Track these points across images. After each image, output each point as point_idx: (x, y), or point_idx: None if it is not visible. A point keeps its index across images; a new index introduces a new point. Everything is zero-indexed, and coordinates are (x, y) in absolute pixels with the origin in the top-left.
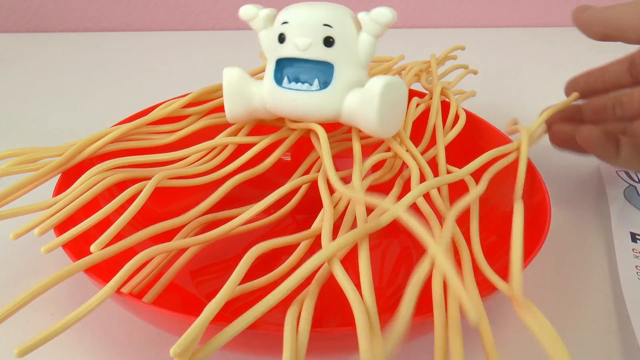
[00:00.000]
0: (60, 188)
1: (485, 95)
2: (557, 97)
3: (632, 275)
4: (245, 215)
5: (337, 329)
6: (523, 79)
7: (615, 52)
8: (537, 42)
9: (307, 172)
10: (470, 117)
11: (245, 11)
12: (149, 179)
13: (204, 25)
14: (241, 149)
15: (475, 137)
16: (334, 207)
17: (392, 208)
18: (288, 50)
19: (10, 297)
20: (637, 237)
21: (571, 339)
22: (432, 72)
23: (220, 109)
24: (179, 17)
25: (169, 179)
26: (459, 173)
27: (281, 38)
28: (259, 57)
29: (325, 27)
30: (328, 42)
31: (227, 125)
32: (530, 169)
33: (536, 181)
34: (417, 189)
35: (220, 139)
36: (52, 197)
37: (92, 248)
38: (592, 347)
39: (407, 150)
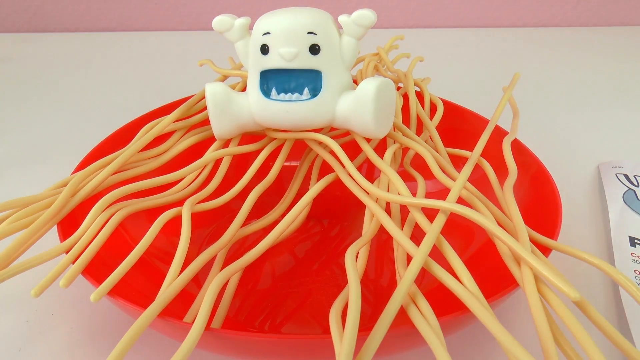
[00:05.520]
0: (65, 231)
1: (485, 95)
2: (557, 97)
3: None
4: (286, 221)
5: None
6: (523, 79)
7: (615, 54)
8: (537, 42)
9: (308, 172)
10: (445, 103)
11: (219, 22)
12: (157, 207)
13: (203, 25)
14: (239, 159)
15: (452, 121)
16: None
17: (445, 205)
18: (273, 61)
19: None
20: (636, 241)
21: None
22: (385, 62)
23: (204, 122)
24: (179, 17)
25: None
26: (475, 154)
27: (264, 49)
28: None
29: (310, 34)
30: (314, 49)
31: (213, 138)
32: (536, 163)
33: (543, 174)
34: (459, 182)
35: (212, 152)
36: (60, 241)
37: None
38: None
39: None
